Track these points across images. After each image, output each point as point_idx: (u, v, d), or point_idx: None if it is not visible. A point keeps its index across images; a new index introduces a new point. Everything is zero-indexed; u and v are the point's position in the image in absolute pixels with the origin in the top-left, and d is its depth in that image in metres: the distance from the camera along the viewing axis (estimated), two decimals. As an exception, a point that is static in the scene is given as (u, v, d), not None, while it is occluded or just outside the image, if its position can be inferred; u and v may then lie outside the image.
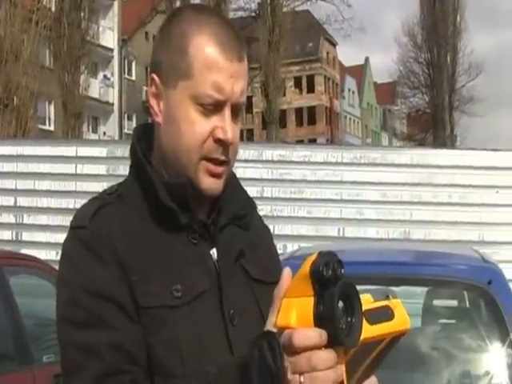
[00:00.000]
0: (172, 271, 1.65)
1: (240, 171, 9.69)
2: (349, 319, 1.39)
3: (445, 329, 4.69)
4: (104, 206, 1.69)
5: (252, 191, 9.28)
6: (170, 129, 1.70)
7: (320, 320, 1.37)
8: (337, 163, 10.01)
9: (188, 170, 1.70)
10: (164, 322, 1.61)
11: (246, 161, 9.65)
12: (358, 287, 1.44)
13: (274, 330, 1.41)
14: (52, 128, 40.14)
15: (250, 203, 1.86)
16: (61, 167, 10.41)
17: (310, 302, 1.39)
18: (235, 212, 1.79)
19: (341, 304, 1.38)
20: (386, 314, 1.51)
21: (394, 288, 4.82)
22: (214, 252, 1.73)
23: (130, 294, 1.61)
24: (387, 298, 1.54)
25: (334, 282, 1.38)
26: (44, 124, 39.18)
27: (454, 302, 5.50)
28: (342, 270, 1.40)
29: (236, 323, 1.69)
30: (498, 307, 4.24)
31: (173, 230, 1.69)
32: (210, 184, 1.71)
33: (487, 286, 4.32)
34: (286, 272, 1.46)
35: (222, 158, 1.70)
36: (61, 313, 1.64)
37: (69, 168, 10.44)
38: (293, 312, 1.40)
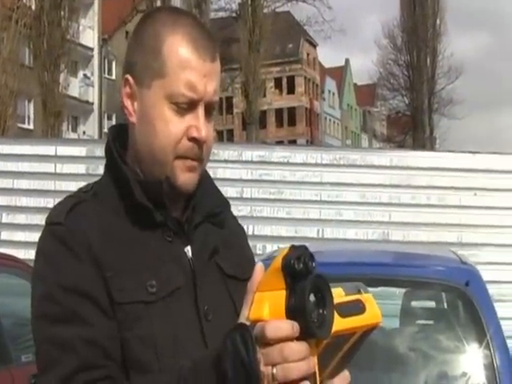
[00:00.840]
0: (147, 268, 1.67)
1: (220, 171, 9.71)
2: (320, 311, 1.41)
3: (423, 330, 4.72)
4: (79, 204, 1.71)
5: (231, 191, 9.30)
6: (145, 128, 1.73)
7: (292, 312, 1.39)
8: (316, 164, 10.02)
9: (163, 169, 1.72)
10: (139, 318, 1.63)
11: (226, 161, 9.65)
12: (334, 285, 1.46)
13: (247, 323, 1.42)
14: (31, 127, 39.93)
15: (224, 202, 1.89)
16: (40, 166, 10.36)
17: (282, 295, 1.40)
18: (209, 210, 1.82)
19: (312, 297, 1.40)
20: (357, 308, 1.52)
21: (372, 289, 4.86)
22: (188, 249, 1.75)
23: (105, 289, 1.62)
24: (359, 292, 1.56)
25: (306, 275, 1.40)
26: (23, 123, 38.96)
27: (431, 303, 5.54)
28: (314, 264, 1.41)
29: (211, 319, 1.71)
30: (476, 308, 4.27)
31: (148, 227, 1.71)
32: (186, 179, 1.73)
33: (465, 287, 4.35)
34: (259, 266, 1.48)
35: (197, 155, 1.73)
36: (36, 309, 1.65)
37: (48, 167, 10.38)
38: (265, 305, 1.41)
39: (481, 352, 4.13)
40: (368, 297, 1.57)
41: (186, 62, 1.70)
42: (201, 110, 1.71)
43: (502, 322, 4.35)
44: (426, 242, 9.36)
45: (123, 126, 1.82)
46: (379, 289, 4.89)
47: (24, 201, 10.27)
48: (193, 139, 1.71)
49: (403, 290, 5.40)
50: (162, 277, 1.67)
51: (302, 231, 9.70)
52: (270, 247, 7.93)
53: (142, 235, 1.70)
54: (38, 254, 1.69)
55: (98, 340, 1.59)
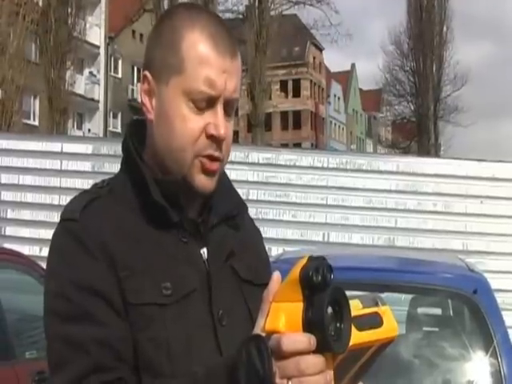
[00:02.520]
0: (162, 269, 1.64)
1: (226, 173, 9.67)
2: (338, 325, 1.39)
3: (429, 336, 4.71)
4: (95, 200, 1.68)
5: (238, 193, 9.31)
6: (163, 126, 1.70)
7: (309, 325, 1.37)
8: (323, 168, 10.01)
9: (182, 168, 1.69)
10: (152, 320, 1.61)
11: (232, 162, 9.62)
12: (351, 296, 1.45)
13: (263, 334, 1.41)
14: (36, 123, 39.98)
15: (241, 204, 1.86)
16: (46, 163, 10.36)
17: (299, 307, 1.39)
18: (227, 212, 1.79)
19: (330, 310, 1.39)
20: (374, 321, 1.52)
21: (378, 294, 4.86)
22: (204, 251, 1.72)
23: (118, 289, 1.60)
24: (376, 304, 1.55)
25: (324, 288, 1.38)
26: (29, 118, 39.01)
27: (438, 310, 5.52)
28: (332, 276, 1.40)
29: (225, 323, 1.68)
30: (483, 316, 4.26)
31: (163, 227, 1.68)
32: (203, 182, 1.70)
33: (472, 295, 4.34)
34: (276, 276, 1.46)
35: (216, 154, 1.69)
36: (48, 305, 1.63)
37: (54, 164, 10.39)
38: (281, 316, 1.40)
39: (488, 360, 4.12)
40: (385, 309, 1.56)
41: (206, 58, 1.67)
42: (220, 107, 1.68)
43: (508, 331, 4.34)
44: (431, 248, 9.35)
45: (141, 122, 1.78)
46: (385, 294, 4.88)
47: (29, 197, 10.27)
48: (211, 136, 1.68)
49: (409, 296, 5.39)
50: (176, 279, 1.65)
51: (308, 235, 9.70)
52: (276, 250, 7.91)
53: (157, 235, 1.67)
54: (51, 249, 1.67)
55: (110, 341, 1.57)
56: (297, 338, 1.37)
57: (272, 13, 41.63)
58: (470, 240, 9.56)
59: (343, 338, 1.39)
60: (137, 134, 1.77)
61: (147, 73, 1.73)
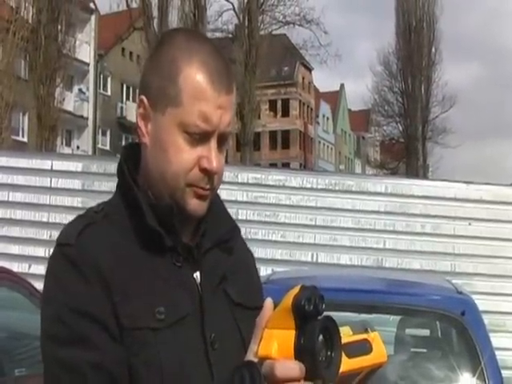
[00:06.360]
0: (155, 293, 1.67)
1: (218, 194, 9.69)
2: (328, 353, 1.43)
3: (417, 358, 4.73)
4: (90, 225, 1.70)
5: (227, 213, 9.33)
6: (158, 152, 1.73)
7: (301, 353, 1.41)
8: (312, 189, 10.02)
9: (174, 193, 1.72)
10: (146, 344, 1.63)
11: (222, 182, 9.61)
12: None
13: (255, 359, 1.44)
14: (25, 139, 39.90)
15: (234, 227, 1.89)
16: (36, 180, 10.35)
17: (291, 334, 1.42)
18: (219, 236, 1.82)
19: (321, 338, 1.42)
20: (364, 348, 1.56)
21: (366, 315, 4.89)
22: (197, 275, 1.75)
23: (113, 314, 1.62)
24: (366, 330, 1.59)
25: (315, 316, 1.43)
26: (17, 135, 38.91)
27: (426, 332, 5.55)
28: (323, 305, 1.44)
29: (217, 347, 1.70)
30: (471, 338, 4.29)
31: (157, 252, 1.71)
32: (196, 206, 1.73)
33: (460, 316, 4.37)
34: (268, 302, 1.50)
35: (208, 186, 1.73)
36: (45, 329, 1.66)
37: (44, 181, 10.37)
38: (274, 343, 1.43)
39: (475, 381, 4.15)
40: (375, 336, 1.60)
41: (202, 93, 1.69)
42: (213, 142, 1.72)
43: (496, 352, 4.37)
44: (419, 269, 9.38)
45: (135, 146, 1.82)
46: (373, 315, 4.91)
47: (19, 214, 10.25)
48: (204, 170, 1.71)
49: (397, 318, 5.42)
50: (170, 303, 1.67)
51: (297, 255, 9.69)
52: (264, 270, 7.91)
53: (151, 259, 1.70)
54: (48, 274, 1.69)
55: (105, 365, 1.59)
56: (290, 365, 1.40)
57: (261, 32, 41.75)
58: (458, 261, 9.59)
59: (333, 365, 1.43)
60: (131, 156, 1.80)
61: (144, 98, 1.75)
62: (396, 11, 53.78)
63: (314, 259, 9.71)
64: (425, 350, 5.06)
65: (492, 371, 4.16)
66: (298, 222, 9.89)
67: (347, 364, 1.48)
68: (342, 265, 9.56)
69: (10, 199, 10.32)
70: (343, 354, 1.46)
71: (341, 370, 1.44)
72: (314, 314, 1.42)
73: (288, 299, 1.44)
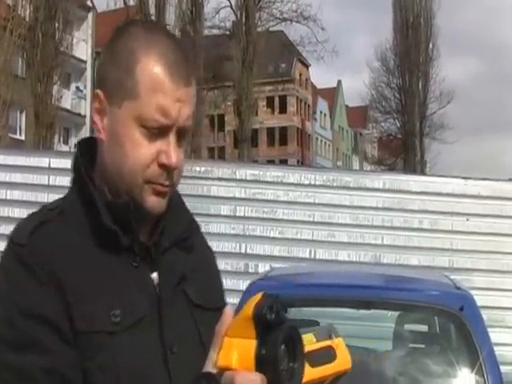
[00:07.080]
0: (111, 295, 1.61)
1: (213, 189, 9.71)
2: (290, 364, 1.40)
3: (415, 353, 4.73)
4: (44, 223, 1.65)
5: (225, 209, 9.33)
6: (114, 148, 1.67)
7: (262, 364, 1.38)
8: (310, 185, 10.00)
9: (131, 190, 1.67)
10: (101, 348, 1.58)
11: (220, 179, 9.64)
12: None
13: (214, 369, 1.41)
14: (23, 137, 39.84)
15: (193, 225, 1.84)
16: (33, 178, 10.33)
17: (252, 344, 1.39)
18: (178, 235, 1.76)
19: (283, 347, 1.39)
20: (328, 355, 1.52)
21: (364, 311, 4.89)
22: (155, 276, 1.69)
23: (66, 316, 1.57)
24: (330, 337, 1.55)
25: (277, 325, 1.39)
26: (15, 133, 38.87)
27: (425, 327, 5.54)
28: (285, 314, 1.41)
29: (175, 350, 1.66)
30: (469, 333, 4.29)
31: (114, 251, 1.65)
32: (154, 203, 1.68)
33: (459, 312, 4.37)
34: (228, 310, 1.48)
35: (167, 183, 1.68)
36: None
37: (41, 179, 10.35)
38: (234, 353, 1.40)
39: (474, 377, 4.15)
40: (339, 342, 1.56)
41: (159, 85, 1.64)
42: (172, 136, 1.66)
43: (494, 348, 4.37)
44: (417, 265, 9.38)
45: (92, 140, 1.76)
46: (371, 311, 4.92)
47: (17, 212, 10.22)
48: (163, 166, 1.66)
49: (396, 313, 5.41)
50: (126, 305, 1.62)
51: (295, 251, 9.68)
52: (263, 266, 7.93)
53: (107, 259, 1.64)
54: (0, 272, 1.64)
55: (57, 369, 1.54)
56: (251, 377, 1.37)
57: (259, 29, 41.78)
58: (456, 257, 9.58)
59: (296, 376, 1.40)
60: (88, 151, 1.74)
61: (99, 91, 1.70)
62: (393, 7, 53.90)
63: (312, 255, 9.70)
64: (423, 346, 5.05)
65: (491, 366, 4.16)
66: (296, 218, 9.88)
67: (310, 373, 1.44)
68: (340, 261, 9.54)
69: (8, 197, 10.30)
70: (306, 364, 1.42)
71: (304, 380, 1.41)
72: (276, 323, 1.38)
73: (249, 307, 1.40)
